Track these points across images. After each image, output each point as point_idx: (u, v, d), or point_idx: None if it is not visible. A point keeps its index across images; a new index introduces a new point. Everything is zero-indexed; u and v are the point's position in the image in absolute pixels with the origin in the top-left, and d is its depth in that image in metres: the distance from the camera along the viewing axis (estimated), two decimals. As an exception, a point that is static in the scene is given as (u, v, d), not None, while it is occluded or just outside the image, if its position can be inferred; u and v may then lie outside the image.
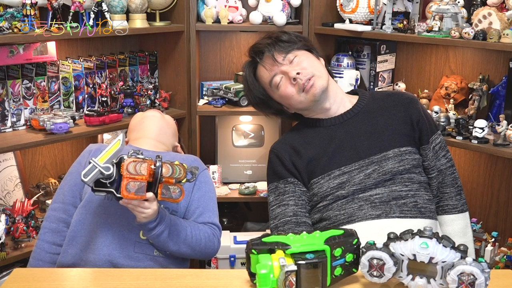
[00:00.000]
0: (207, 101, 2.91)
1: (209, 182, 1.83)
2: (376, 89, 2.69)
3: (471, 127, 2.33)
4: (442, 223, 1.84)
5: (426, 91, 2.66)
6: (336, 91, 1.85)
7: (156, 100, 2.73)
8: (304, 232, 1.29)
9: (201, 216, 1.73)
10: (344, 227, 1.62)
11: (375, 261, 1.24)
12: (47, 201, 2.45)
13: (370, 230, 1.58)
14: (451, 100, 2.48)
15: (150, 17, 2.66)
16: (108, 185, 1.48)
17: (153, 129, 1.93)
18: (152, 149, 1.82)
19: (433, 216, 1.73)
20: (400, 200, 1.67)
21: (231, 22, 2.75)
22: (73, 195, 1.73)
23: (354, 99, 1.88)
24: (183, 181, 1.52)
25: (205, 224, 1.74)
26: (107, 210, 1.67)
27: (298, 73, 1.76)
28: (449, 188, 1.84)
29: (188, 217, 1.74)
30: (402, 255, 1.23)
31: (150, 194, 1.49)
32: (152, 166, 1.49)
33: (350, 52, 2.79)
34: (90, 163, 1.47)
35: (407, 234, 1.23)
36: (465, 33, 2.24)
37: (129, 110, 2.62)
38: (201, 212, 1.74)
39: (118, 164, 1.49)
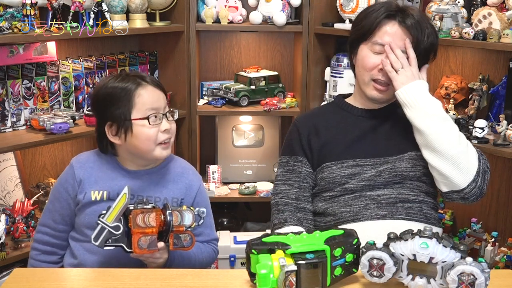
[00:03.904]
0: (207, 101, 2.91)
1: (205, 197, 1.77)
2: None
3: (471, 127, 2.33)
4: None
5: (426, 91, 2.66)
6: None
7: (156, 100, 2.73)
8: (304, 232, 1.29)
9: (200, 235, 1.71)
10: (348, 225, 1.63)
11: (375, 261, 1.24)
12: (47, 201, 2.44)
13: (375, 230, 1.57)
14: (451, 100, 2.48)
15: (150, 17, 2.66)
16: (114, 237, 1.45)
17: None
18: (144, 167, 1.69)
19: (437, 223, 1.71)
20: (406, 204, 1.66)
21: (231, 22, 2.75)
22: (66, 224, 1.68)
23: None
24: (192, 226, 1.49)
25: (206, 243, 1.73)
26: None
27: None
28: None
29: None
30: (402, 255, 1.23)
31: (161, 245, 1.46)
32: (162, 217, 1.45)
33: (350, 52, 2.79)
34: (98, 224, 1.43)
35: (407, 234, 1.23)
36: (465, 33, 2.24)
37: (129, 110, 2.62)
38: (200, 232, 1.71)
39: (125, 215, 1.45)
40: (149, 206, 1.46)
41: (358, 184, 1.69)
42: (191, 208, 1.51)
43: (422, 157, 1.68)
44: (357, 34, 1.75)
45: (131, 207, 1.45)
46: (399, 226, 1.60)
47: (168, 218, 1.45)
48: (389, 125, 1.75)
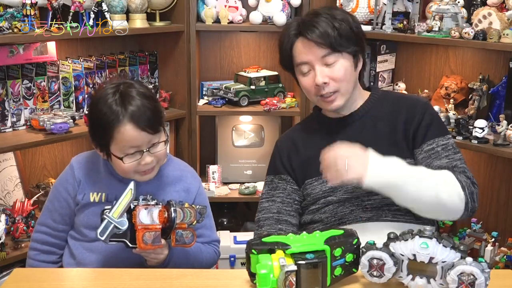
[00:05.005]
0: (207, 101, 2.91)
1: (204, 198, 1.76)
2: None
3: (471, 127, 2.33)
4: None
5: (426, 91, 2.66)
6: (354, 96, 1.73)
7: (156, 100, 2.73)
8: (304, 232, 1.29)
9: (201, 237, 1.71)
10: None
11: (375, 261, 1.24)
12: (45, 201, 2.44)
13: (361, 232, 1.52)
14: (451, 100, 2.48)
15: (150, 17, 2.66)
16: (119, 232, 1.45)
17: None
18: None
19: (429, 222, 1.66)
20: (393, 206, 1.63)
21: (231, 22, 2.75)
22: (65, 223, 1.68)
23: (366, 95, 1.77)
24: (194, 224, 1.50)
25: (207, 244, 1.73)
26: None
27: (325, 83, 1.64)
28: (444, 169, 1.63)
29: None
30: (402, 255, 1.23)
31: (164, 241, 1.48)
32: (165, 214, 1.46)
33: (350, 52, 2.79)
34: (104, 219, 1.43)
35: (407, 234, 1.23)
36: (465, 33, 2.25)
37: (129, 110, 2.61)
38: (201, 233, 1.70)
39: (128, 210, 1.46)
40: (153, 203, 1.47)
41: (341, 197, 1.66)
42: (193, 205, 1.52)
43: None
44: (284, 62, 1.74)
45: (135, 203, 1.46)
46: (386, 227, 1.56)
47: (173, 214, 1.45)
48: (365, 131, 1.70)
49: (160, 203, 1.49)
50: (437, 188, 1.52)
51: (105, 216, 1.43)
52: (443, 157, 1.64)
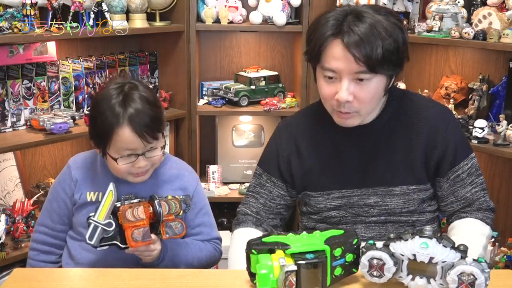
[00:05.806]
0: (207, 101, 2.91)
1: (202, 197, 1.74)
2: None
3: (471, 127, 2.33)
4: (450, 229, 1.60)
5: (426, 91, 2.66)
6: (372, 109, 1.55)
7: (156, 100, 2.73)
8: (304, 232, 1.29)
9: (200, 235, 1.71)
10: None
11: (375, 261, 1.24)
12: (45, 201, 2.45)
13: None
14: (451, 100, 2.48)
15: (150, 17, 2.66)
16: (108, 234, 1.46)
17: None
18: None
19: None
20: (396, 224, 1.60)
21: (231, 22, 2.75)
22: (63, 223, 1.68)
23: (383, 98, 1.57)
24: (180, 214, 1.51)
25: (207, 242, 1.72)
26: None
27: (348, 101, 1.46)
28: (473, 211, 1.60)
29: (188, 236, 1.69)
30: (402, 255, 1.23)
31: (153, 237, 1.48)
32: (150, 209, 1.47)
33: (350, 52, 2.78)
34: (90, 223, 1.44)
35: (407, 234, 1.23)
36: (465, 33, 2.25)
37: (129, 110, 2.61)
38: (199, 231, 1.70)
39: (113, 213, 1.46)
40: (136, 200, 1.48)
41: (344, 214, 1.62)
42: (176, 196, 1.52)
43: (416, 190, 1.58)
44: (308, 56, 1.53)
45: (118, 204, 1.46)
46: None
47: (158, 208, 1.46)
48: (379, 147, 1.58)
49: (143, 200, 1.50)
50: (485, 240, 1.57)
51: (90, 221, 1.44)
52: (467, 184, 1.60)
